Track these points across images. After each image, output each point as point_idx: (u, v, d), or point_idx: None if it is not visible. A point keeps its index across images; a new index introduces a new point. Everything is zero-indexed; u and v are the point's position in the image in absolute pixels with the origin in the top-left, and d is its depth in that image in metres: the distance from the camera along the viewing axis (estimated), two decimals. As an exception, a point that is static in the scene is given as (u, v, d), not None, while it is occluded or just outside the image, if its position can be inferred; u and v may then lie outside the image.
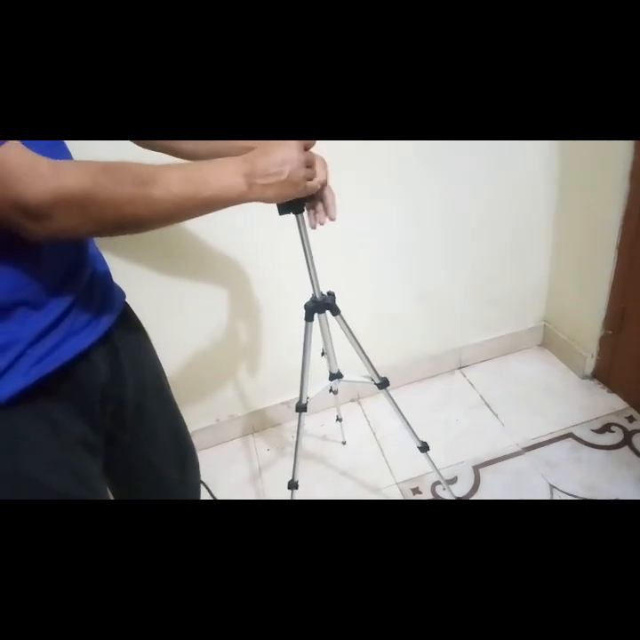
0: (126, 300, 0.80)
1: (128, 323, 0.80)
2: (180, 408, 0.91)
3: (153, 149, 0.78)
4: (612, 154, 1.29)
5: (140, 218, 0.57)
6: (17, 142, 0.50)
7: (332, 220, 0.83)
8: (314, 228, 0.85)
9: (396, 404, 1.12)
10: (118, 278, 0.79)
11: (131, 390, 0.76)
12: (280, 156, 0.67)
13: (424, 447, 1.21)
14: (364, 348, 1.06)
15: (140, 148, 0.79)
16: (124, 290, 0.80)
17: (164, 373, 0.88)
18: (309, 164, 0.73)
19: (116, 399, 0.74)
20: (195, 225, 1.28)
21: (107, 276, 0.75)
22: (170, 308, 1.38)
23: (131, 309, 0.82)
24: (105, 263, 0.75)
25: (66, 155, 0.66)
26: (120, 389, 0.74)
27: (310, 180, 0.74)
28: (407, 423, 1.15)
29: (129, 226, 0.58)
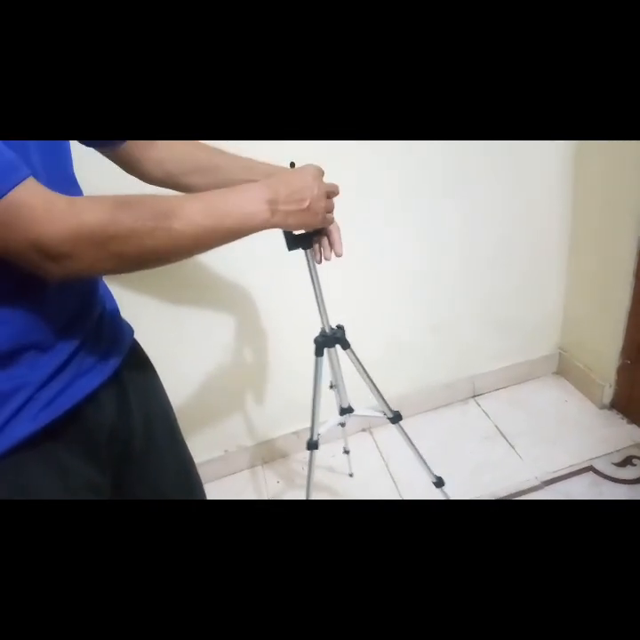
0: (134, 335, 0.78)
1: (136, 360, 0.78)
2: (187, 439, 0.89)
3: (164, 187, 0.77)
4: (628, 181, 1.28)
5: (161, 252, 0.55)
6: (32, 180, 0.48)
7: (338, 255, 0.82)
8: (319, 262, 0.84)
9: (409, 439, 1.09)
10: (124, 308, 0.77)
11: (138, 429, 0.74)
12: (301, 184, 0.66)
13: (439, 482, 1.17)
14: (375, 378, 1.04)
15: (153, 185, 0.78)
16: (129, 320, 0.78)
17: (171, 409, 0.86)
18: (330, 195, 0.72)
19: (123, 439, 0.72)
20: (203, 254, 1.27)
21: (115, 313, 0.74)
22: (177, 338, 1.37)
23: (139, 346, 0.80)
24: (114, 300, 0.74)
25: (78, 192, 0.66)
26: (127, 429, 0.72)
27: (329, 211, 0.72)
28: (421, 458, 1.12)
29: (150, 261, 0.56)
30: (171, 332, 1.35)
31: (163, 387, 0.85)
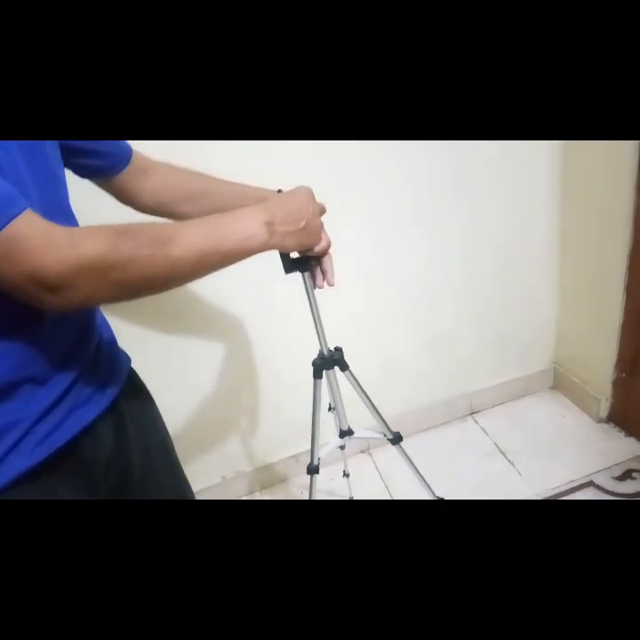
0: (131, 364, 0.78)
1: (134, 389, 0.77)
2: (184, 466, 0.87)
3: (158, 215, 0.77)
4: (617, 194, 1.30)
5: (161, 279, 0.55)
6: (30, 212, 0.48)
7: (330, 285, 0.82)
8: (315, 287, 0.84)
9: (410, 460, 1.08)
10: (119, 335, 0.77)
11: (136, 459, 0.73)
12: (297, 204, 0.66)
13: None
14: (372, 397, 1.03)
15: (146, 214, 0.78)
16: (125, 347, 0.77)
17: (169, 437, 0.85)
18: (322, 214, 0.73)
19: (121, 469, 0.71)
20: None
21: (112, 343, 0.73)
22: (172, 364, 1.36)
23: (136, 374, 0.79)
24: (111, 330, 0.74)
25: (74, 224, 0.65)
26: (125, 459, 0.71)
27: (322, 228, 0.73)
28: (423, 479, 1.11)
29: (150, 288, 0.55)
30: (165, 358, 1.34)
31: (160, 415, 0.84)
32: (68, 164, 0.67)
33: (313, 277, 0.83)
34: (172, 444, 0.85)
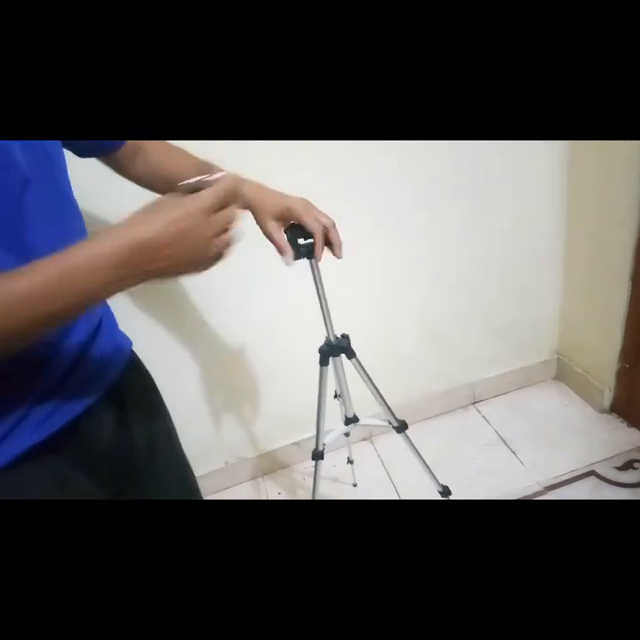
0: (133, 347, 0.77)
1: (135, 372, 0.76)
2: (186, 450, 0.87)
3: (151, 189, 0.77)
4: (622, 184, 1.29)
5: None
6: None
7: (338, 258, 0.80)
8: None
9: (415, 449, 1.08)
10: (124, 323, 0.76)
11: (139, 444, 0.73)
12: (174, 235, 0.49)
13: (445, 492, 1.16)
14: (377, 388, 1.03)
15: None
16: (129, 335, 0.77)
17: (173, 424, 0.85)
18: (226, 226, 0.53)
19: (124, 454, 0.70)
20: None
21: (113, 326, 0.72)
22: (174, 349, 1.36)
23: (138, 358, 0.78)
24: (112, 315, 0.73)
25: (72, 207, 0.64)
26: (128, 444, 0.71)
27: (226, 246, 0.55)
28: (427, 467, 1.11)
29: None
30: (170, 345, 1.34)
31: (162, 399, 0.83)
32: (65, 145, 0.67)
33: (314, 250, 0.79)
34: (175, 431, 0.85)
